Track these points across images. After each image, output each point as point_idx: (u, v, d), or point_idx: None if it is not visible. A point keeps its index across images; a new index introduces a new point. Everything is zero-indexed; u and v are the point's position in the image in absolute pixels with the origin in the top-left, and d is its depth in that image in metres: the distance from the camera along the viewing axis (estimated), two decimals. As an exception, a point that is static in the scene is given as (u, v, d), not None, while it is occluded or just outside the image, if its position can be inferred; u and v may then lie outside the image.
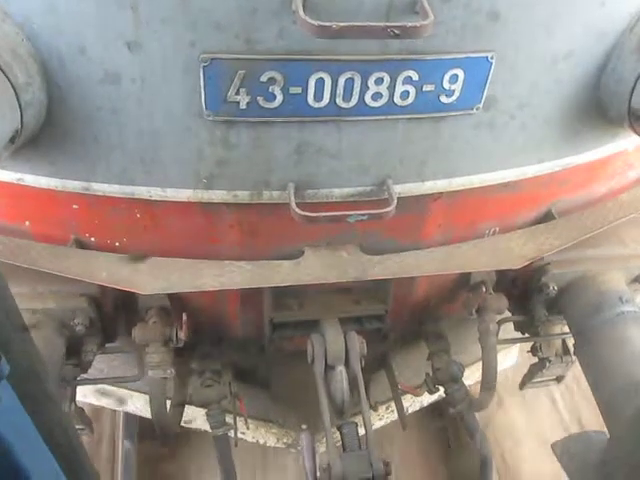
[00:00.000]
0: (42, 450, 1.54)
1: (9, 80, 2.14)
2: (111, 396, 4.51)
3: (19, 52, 2.20)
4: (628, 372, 3.09)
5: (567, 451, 3.18)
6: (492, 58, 2.48)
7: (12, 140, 2.21)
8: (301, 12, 2.07)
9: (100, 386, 4.37)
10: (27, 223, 3.03)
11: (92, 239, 3.05)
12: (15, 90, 2.16)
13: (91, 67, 2.30)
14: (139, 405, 4.46)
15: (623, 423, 2.88)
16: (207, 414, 3.84)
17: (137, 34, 2.21)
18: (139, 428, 5.78)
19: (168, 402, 3.59)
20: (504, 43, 2.48)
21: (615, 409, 3.05)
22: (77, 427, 3.58)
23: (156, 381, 3.30)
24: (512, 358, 5.31)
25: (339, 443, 3.26)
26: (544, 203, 3.40)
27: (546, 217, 3.43)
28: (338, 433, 3.28)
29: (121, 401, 4.52)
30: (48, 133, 2.48)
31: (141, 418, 4.96)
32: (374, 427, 4.60)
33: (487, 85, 2.57)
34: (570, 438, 3.38)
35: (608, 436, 3.01)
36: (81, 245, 3.05)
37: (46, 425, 1.55)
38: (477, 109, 2.65)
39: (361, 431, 3.28)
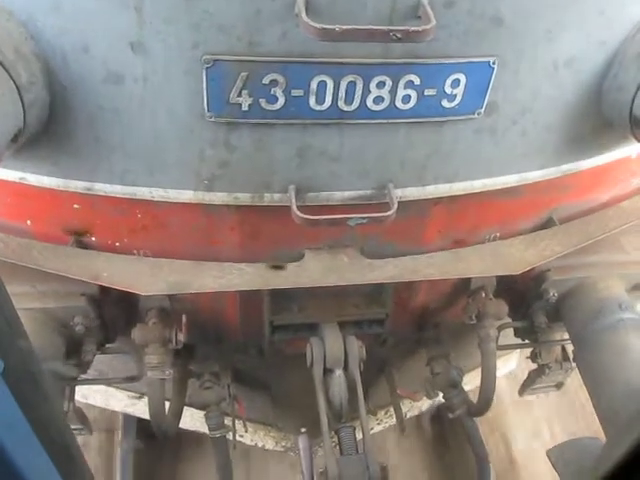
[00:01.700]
0: (36, 447, 1.53)
1: (12, 79, 2.13)
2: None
3: (22, 51, 2.20)
4: (627, 379, 3.08)
5: (562, 457, 3.17)
6: (494, 63, 2.48)
7: (14, 139, 2.20)
8: (304, 15, 2.06)
9: None
10: (28, 222, 3.03)
11: (93, 239, 3.05)
12: (18, 89, 2.16)
13: (94, 66, 2.30)
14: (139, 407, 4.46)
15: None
16: (206, 416, 3.84)
17: (140, 34, 2.21)
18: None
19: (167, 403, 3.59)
20: (506, 48, 2.48)
21: (613, 416, 3.05)
22: (75, 427, 3.59)
23: (155, 382, 3.30)
24: (511, 364, 5.31)
25: (337, 447, 3.26)
26: (545, 209, 3.39)
27: (547, 223, 3.43)
28: (336, 437, 3.28)
29: None
30: (51, 132, 2.48)
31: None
32: (373, 431, 4.61)
33: (489, 90, 2.57)
34: (565, 444, 3.37)
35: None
36: (82, 245, 3.05)
37: (40, 424, 1.54)
38: (478, 114, 2.64)
39: (359, 435, 3.27)
